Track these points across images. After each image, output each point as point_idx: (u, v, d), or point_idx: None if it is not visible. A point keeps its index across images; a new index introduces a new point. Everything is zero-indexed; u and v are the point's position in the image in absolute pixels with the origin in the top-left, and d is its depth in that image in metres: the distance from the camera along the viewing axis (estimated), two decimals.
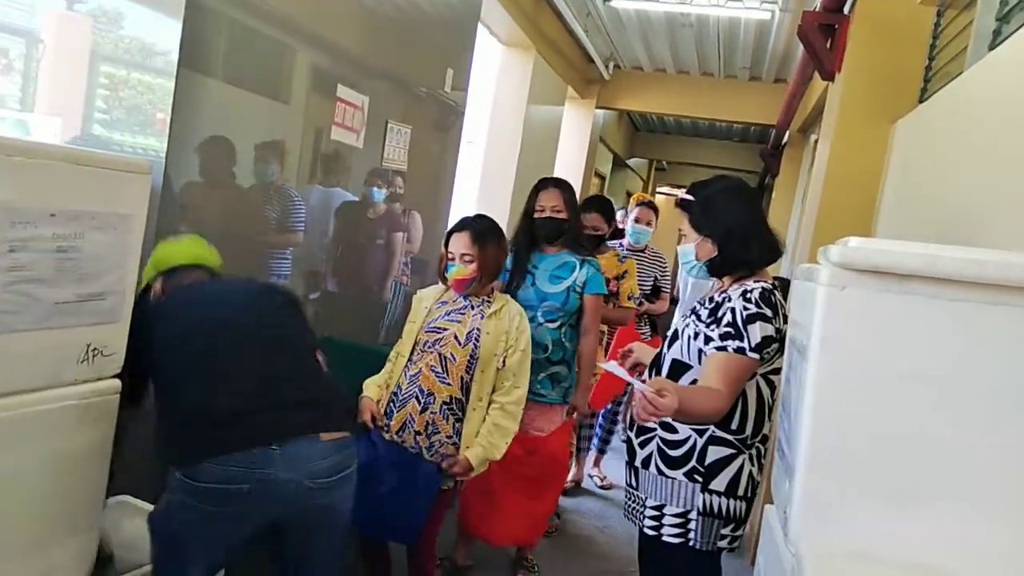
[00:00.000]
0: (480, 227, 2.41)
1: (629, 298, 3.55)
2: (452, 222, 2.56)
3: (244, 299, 1.97)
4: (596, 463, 4.50)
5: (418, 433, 2.33)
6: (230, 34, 2.45)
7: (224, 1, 2.39)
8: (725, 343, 1.82)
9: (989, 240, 1.94)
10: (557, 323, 2.89)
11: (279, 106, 2.75)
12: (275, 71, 2.73)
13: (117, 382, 1.78)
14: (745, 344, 1.80)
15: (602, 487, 4.38)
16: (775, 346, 1.84)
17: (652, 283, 4.30)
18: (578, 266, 2.91)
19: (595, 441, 4.46)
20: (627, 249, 4.07)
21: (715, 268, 1.97)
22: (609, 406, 4.34)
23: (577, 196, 3.09)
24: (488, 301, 2.44)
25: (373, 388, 2.44)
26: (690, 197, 2.00)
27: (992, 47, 2.55)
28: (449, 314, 2.42)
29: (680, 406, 1.62)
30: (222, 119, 2.46)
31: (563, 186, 2.99)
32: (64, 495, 1.71)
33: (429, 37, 3.74)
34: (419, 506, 2.28)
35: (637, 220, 4.24)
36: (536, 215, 2.94)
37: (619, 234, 4.44)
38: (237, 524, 1.68)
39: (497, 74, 6.79)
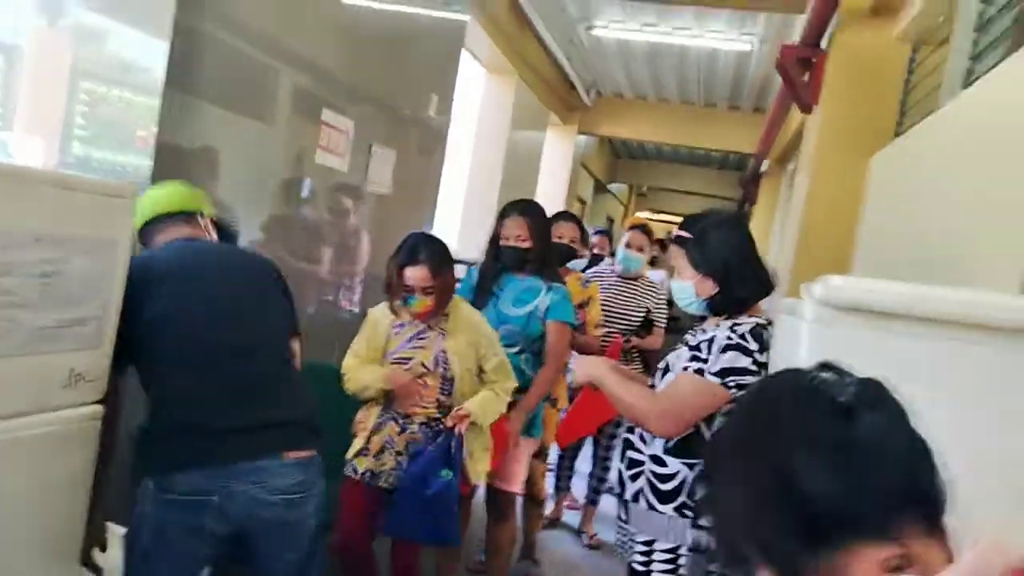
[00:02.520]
0: (435, 257, 2.37)
1: (596, 326, 3.32)
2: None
3: (229, 281, 1.90)
4: (588, 518, 3.92)
5: (399, 453, 2.35)
6: (216, 55, 2.46)
7: (211, 22, 2.40)
8: (689, 364, 1.79)
9: (962, 272, 1.98)
10: (516, 348, 2.72)
11: (264, 128, 2.75)
12: (261, 93, 2.73)
13: (100, 408, 1.76)
14: (706, 367, 1.76)
15: (589, 545, 3.81)
16: (750, 379, 1.73)
17: (644, 315, 3.72)
18: (543, 291, 2.76)
19: (586, 490, 3.95)
20: (618, 277, 3.72)
21: (716, 306, 1.88)
22: (595, 449, 3.89)
23: (547, 217, 2.93)
24: (444, 315, 2.44)
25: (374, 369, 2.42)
26: (685, 234, 1.91)
27: (966, 86, 2.63)
28: (410, 340, 2.42)
29: (607, 379, 1.83)
30: (207, 139, 2.46)
31: (528, 213, 2.82)
32: (46, 523, 1.68)
33: (414, 62, 3.77)
34: (450, 509, 2.31)
35: (628, 245, 3.71)
36: (501, 243, 2.81)
37: (597, 259, 4.23)
38: (203, 536, 1.71)
39: (480, 99, 6.85)
